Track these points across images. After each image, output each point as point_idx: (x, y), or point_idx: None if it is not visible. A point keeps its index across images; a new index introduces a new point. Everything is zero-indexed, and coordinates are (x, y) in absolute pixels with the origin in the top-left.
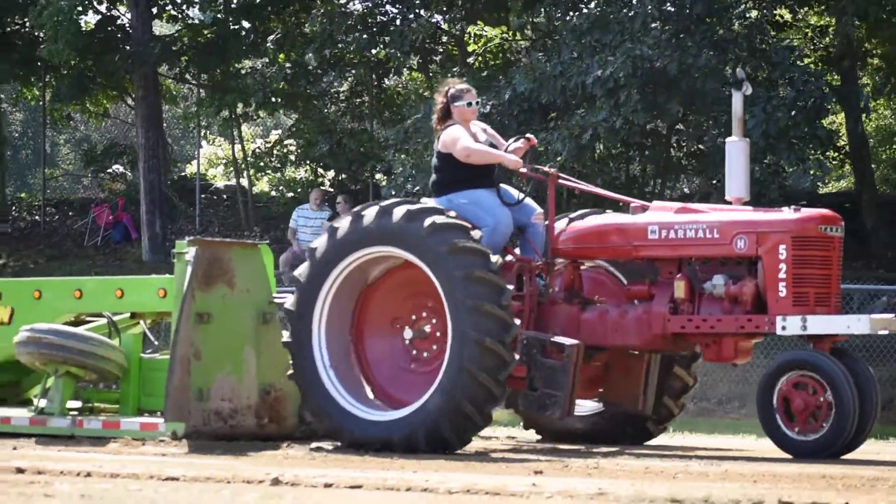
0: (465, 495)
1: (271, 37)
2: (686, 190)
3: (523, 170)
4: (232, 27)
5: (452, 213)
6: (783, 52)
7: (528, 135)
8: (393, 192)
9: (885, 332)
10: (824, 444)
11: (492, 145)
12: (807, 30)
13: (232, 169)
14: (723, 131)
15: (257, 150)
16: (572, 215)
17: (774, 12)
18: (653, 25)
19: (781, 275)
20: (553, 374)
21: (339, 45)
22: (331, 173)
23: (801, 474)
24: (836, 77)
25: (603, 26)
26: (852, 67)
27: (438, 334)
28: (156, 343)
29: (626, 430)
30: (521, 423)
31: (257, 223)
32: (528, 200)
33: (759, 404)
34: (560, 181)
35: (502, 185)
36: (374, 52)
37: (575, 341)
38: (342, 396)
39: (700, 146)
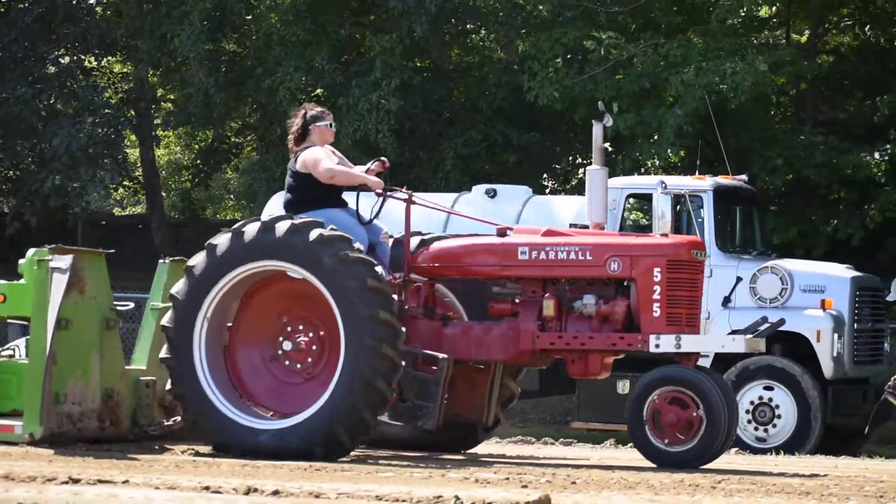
0: None
1: None
2: (6, 209)
3: (379, 190)
4: None
5: (333, 226)
6: (88, 90)
7: (381, 157)
8: None
9: (752, 351)
10: (694, 455)
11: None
12: (110, 74)
13: None
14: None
15: None
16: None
17: (83, 58)
18: None
19: (656, 296)
20: (425, 386)
21: None
22: None
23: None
24: (133, 114)
25: None
26: (147, 107)
27: (314, 345)
28: None
29: (454, 437)
30: None
31: None
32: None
33: (630, 417)
34: (415, 202)
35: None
36: None
37: (445, 355)
38: (227, 408)
39: (16, 171)
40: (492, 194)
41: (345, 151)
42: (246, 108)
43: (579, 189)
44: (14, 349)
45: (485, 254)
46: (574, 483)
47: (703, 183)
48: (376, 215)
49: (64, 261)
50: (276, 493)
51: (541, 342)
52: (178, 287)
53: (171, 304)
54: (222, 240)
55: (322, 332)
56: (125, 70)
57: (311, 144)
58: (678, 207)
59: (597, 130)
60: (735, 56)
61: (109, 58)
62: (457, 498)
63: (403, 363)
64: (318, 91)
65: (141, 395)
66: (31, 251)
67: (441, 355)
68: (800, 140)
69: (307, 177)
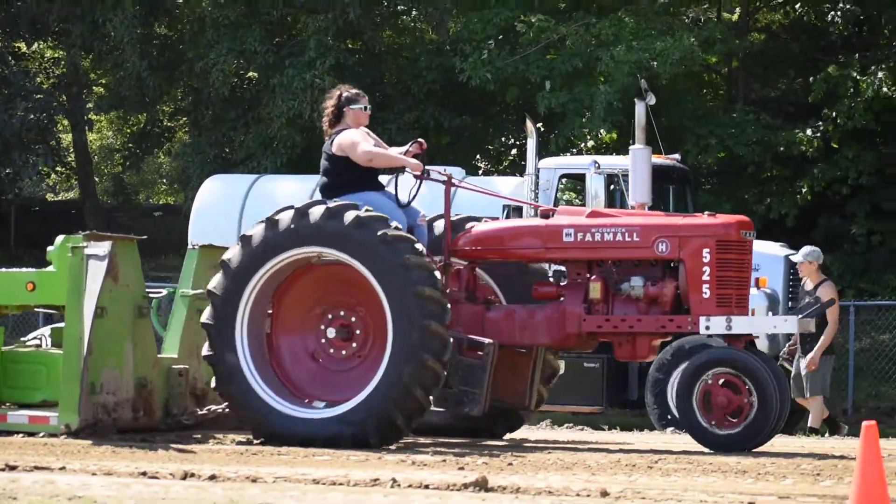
0: None
1: None
2: None
3: (417, 173)
4: None
5: (369, 207)
6: (20, 75)
7: (419, 139)
8: None
9: (803, 331)
10: (745, 438)
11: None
12: (41, 60)
13: None
14: None
15: None
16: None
17: (14, 44)
18: None
19: (705, 277)
20: (472, 372)
21: None
22: None
23: None
24: (65, 99)
25: None
26: (79, 92)
27: (359, 330)
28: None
29: (494, 422)
30: None
31: None
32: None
33: (679, 399)
34: (454, 185)
35: (388, 189)
36: None
37: (491, 340)
38: (262, 388)
39: None
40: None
41: (278, 130)
42: (178, 92)
43: (512, 169)
44: (40, 338)
45: (529, 236)
46: (511, 464)
47: None
48: (413, 198)
49: (101, 248)
50: (213, 477)
51: (587, 325)
52: (216, 282)
53: (208, 299)
54: (256, 230)
55: (365, 316)
56: (56, 55)
57: (346, 127)
58: (611, 187)
59: (639, 109)
60: (666, 35)
61: (41, 43)
62: (394, 481)
63: (445, 374)
64: (251, 73)
65: (173, 383)
66: (60, 238)
67: (487, 340)
68: (732, 118)
69: (344, 160)
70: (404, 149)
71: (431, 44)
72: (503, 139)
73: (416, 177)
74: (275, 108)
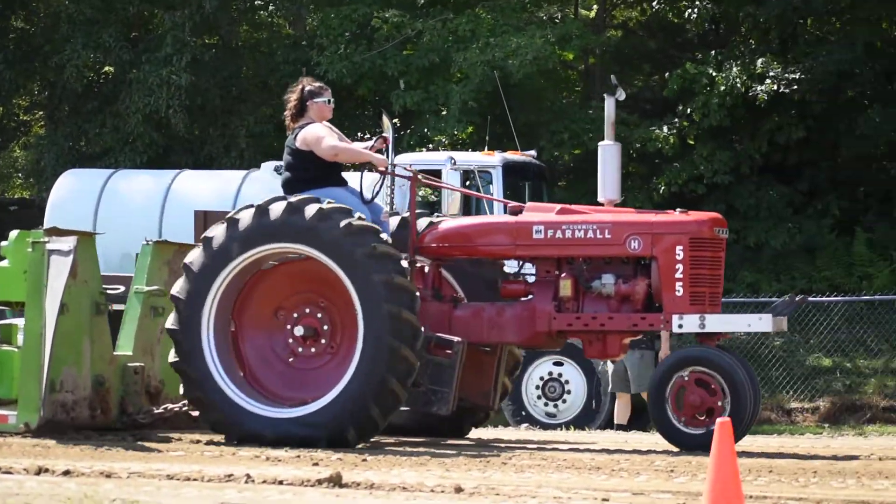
0: None
1: None
2: None
3: (382, 168)
4: None
5: (362, 215)
6: None
7: (384, 134)
8: None
9: (777, 330)
10: None
11: None
12: None
13: None
14: None
15: None
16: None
17: None
18: None
19: (678, 275)
20: (440, 371)
21: None
22: None
23: None
24: None
25: None
26: None
27: (326, 325)
28: None
29: (454, 421)
30: None
31: None
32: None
33: (652, 398)
34: (420, 181)
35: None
36: None
37: (460, 338)
38: (232, 390)
39: None
40: (280, 171)
41: (135, 128)
42: (35, 86)
43: (368, 165)
44: None
45: (497, 233)
46: (365, 460)
47: (491, 159)
48: (377, 193)
49: (66, 243)
50: (67, 473)
51: (557, 323)
52: (193, 257)
53: (171, 303)
54: (245, 215)
55: (333, 313)
56: None
57: (310, 121)
58: (467, 183)
59: (609, 105)
60: (522, 31)
61: None
62: (248, 476)
63: (418, 364)
64: (108, 68)
65: (129, 381)
66: (14, 233)
67: (456, 339)
68: (588, 114)
69: (308, 154)
70: (369, 144)
71: (288, 38)
72: (359, 134)
73: (380, 172)
74: (131, 103)
